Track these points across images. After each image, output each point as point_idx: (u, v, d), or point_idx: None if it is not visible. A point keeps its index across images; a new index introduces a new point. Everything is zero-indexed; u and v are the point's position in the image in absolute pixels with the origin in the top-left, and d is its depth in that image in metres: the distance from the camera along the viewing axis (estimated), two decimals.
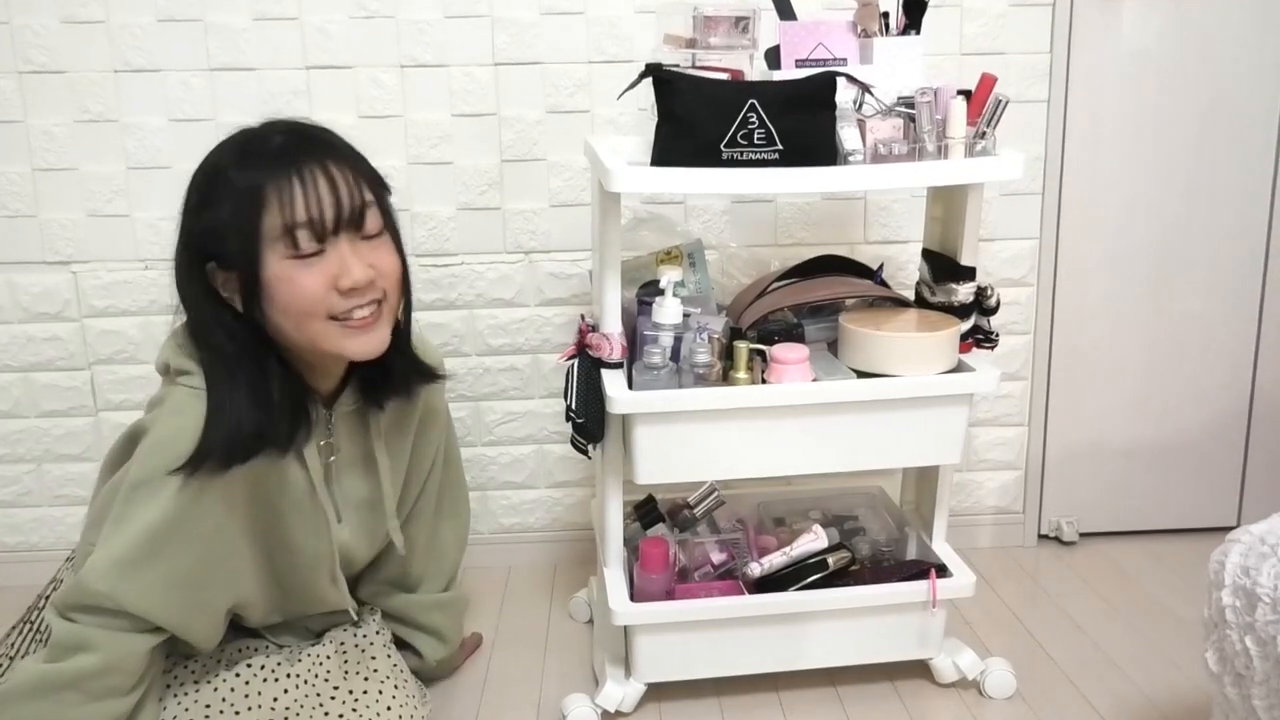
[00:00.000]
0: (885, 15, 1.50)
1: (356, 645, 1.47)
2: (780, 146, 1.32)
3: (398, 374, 1.36)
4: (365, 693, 1.40)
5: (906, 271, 1.98)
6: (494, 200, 1.93)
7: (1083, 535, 2.15)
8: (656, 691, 1.61)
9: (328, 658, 1.42)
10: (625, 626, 1.55)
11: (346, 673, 1.42)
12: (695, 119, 1.30)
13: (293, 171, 1.15)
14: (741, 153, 1.31)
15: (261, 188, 1.13)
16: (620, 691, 1.56)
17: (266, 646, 1.43)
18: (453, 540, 1.65)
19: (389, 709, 1.40)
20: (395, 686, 1.44)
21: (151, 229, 1.90)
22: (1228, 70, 1.93)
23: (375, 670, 1.44)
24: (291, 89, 1.86)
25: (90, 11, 1.79)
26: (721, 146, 1.31)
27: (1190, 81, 1.94)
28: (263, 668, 1.37)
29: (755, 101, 1.30)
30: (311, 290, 1.17)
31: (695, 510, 1.70)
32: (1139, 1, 1.90)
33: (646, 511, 1.71)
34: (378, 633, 1.51)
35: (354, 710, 1.37)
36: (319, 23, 1.83)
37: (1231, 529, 2.12)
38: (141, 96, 1.84)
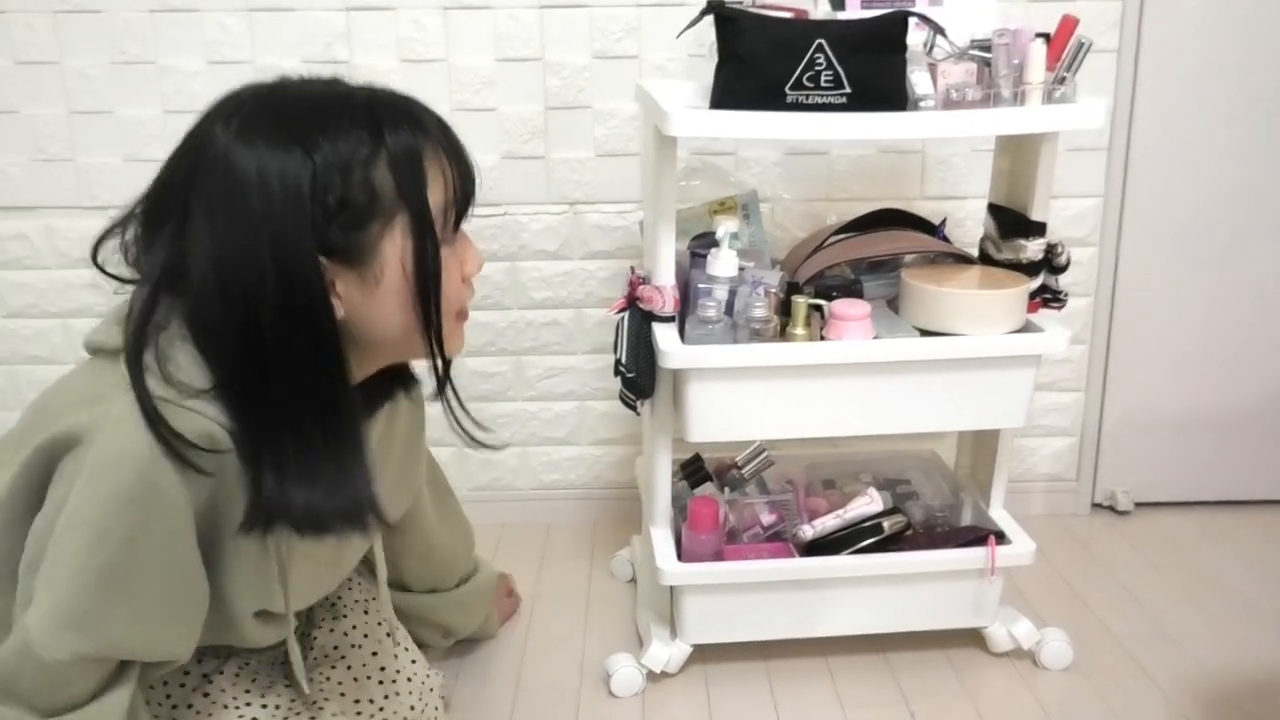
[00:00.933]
0: None
1: (344, 656, 1.25)
2: (848, 90, 1.25)
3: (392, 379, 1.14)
4: (387, 697, 1.26)
5: (964, 228, 1.90)
6: (538, 149, 1.87)
7: (1138, 505, 2.08)
8: (702, 653, 1.57)
9: (338, 684, 1.22)
10: (671, 587, 1.51)
11: (359, 700, 1.23)
12: (759, 59, 1.24)
13: (441, 139, 0.97)
14: (807, 95, 1.25)
15: (421, 155, 0.93)
16: (666, 652, 1.53)
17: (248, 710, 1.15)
18: (450, 542, 1.49)
19: (412, 709, 1.27)
20: (408, 679, 1.29)
21: None
22: None
23: (382, 669, 1.27)
24: (332, 31, 1.80)
25: None
26: (786, 89, 1.24)
27: (1270, 35, 1.83)
28: None
29: (823, 41, 1.23)
30: (459, 280, 1.01)
31: (743, 470, 1.66)
32: None
33: (693, 470, 1.67)
34: (353, 626, 1.30)
35: None
36: None
37: None
38: (178, 37, 1.80)
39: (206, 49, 1.80)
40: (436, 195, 0.96)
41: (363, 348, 0.98)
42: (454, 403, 1.07)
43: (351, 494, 0.94)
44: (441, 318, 0.97)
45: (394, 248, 0.93)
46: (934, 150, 1.89)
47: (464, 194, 0.99)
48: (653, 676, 1.54)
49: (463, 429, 1.08)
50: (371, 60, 1.82)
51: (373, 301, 0.94)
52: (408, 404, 1.17)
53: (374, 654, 1.27)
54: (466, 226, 1.03)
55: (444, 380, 1.04)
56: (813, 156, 1.88)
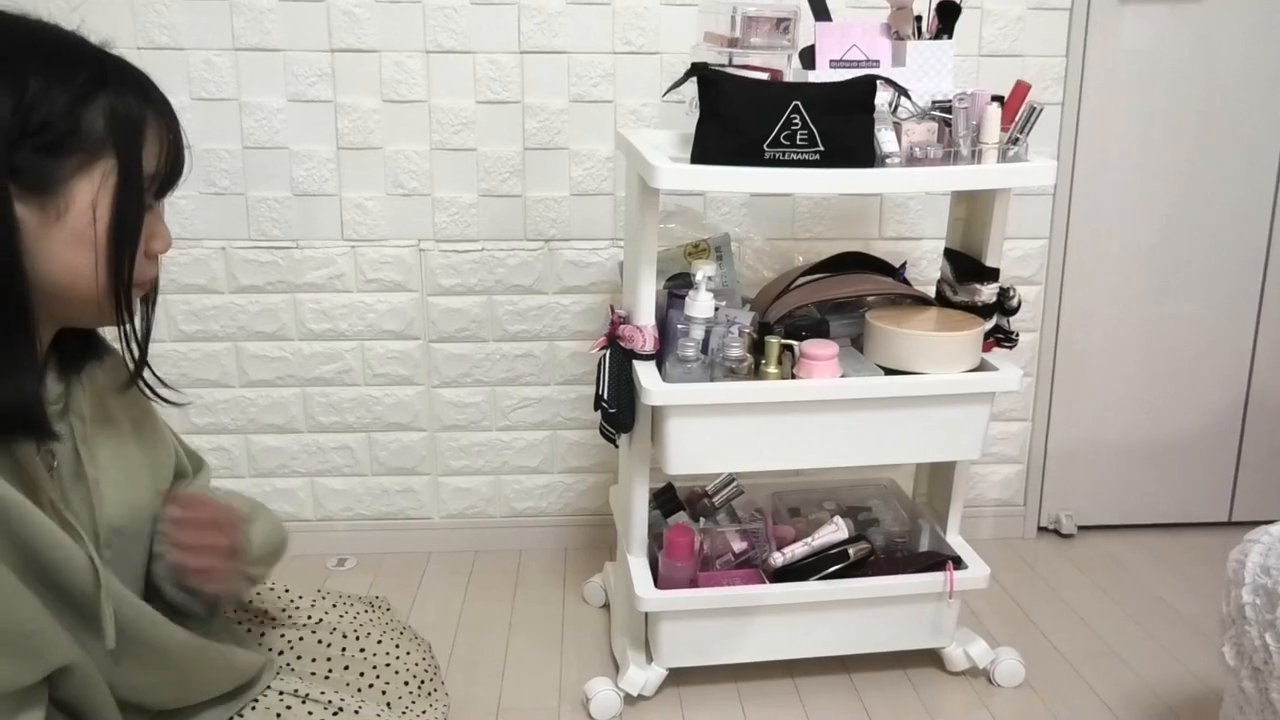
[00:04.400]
0: (918, 19, 1.53)
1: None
2: (821, 147, 1.34)
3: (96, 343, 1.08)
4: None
5: (919, 268, 2.01)
6: (515, 188, 1.94)
7: (1080, 528, 2.20)
8: (676, 676, 1.64)
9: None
10: (648, 612, 1.58)
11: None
12: (740, 119, 1.32)
13: (165, 112, 0.97)
14: (784, 153, 1.34)
15: (144, 112, 0.94)
16: (643, 676, 1.59)
17: None
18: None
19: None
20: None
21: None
22: (1232, 76, 1.98)
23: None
24: (316, 70, 1.85)
25: None
26: (765, 146, 1.33)
27: (1195, 87, 1.98)
28: None
29: (799, 103, 1.32)
30: (143, 253, 0.99)
31: (714, 500, 1.74)
32: (1148, 7, 1.94)
33: (666, 500, 1.74)
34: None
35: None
36: (345, 5, 1.83)
37: (1224, 525, 2.22)
38: (163, 74, 1.82)
39: (192, 85, 1.84)
40: (149, 159, 0.95)
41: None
42: (145, 373, 1.06)
43: (20, 385, 0.90)
44: (134, 274, 0.95)
45: (88, 190, 0.91)
46: (891, 195, 2.00)
47: (171, 171, 0.99)
48: (630, 700, 1.61)
49: (156, 394, 1.09)
50: (354, 100, 1.87)
51: (47, 237, 0.91)
52: (108, 378, 1.09)
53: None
54: (164, 208, 1.02)
55: (134, 334, 1.02)
56: (778, 199, 1.98)
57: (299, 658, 1.22)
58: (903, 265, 1.72)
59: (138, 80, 0.96)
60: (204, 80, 1.84)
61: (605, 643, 1.79)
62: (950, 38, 1.52)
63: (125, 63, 0.97)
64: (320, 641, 1.25)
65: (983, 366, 1.54)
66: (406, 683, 1.25)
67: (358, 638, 1.27)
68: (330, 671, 1.22)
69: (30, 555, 0.91)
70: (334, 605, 1.34)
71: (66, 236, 0.91)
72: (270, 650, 1.21)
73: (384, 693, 1.22)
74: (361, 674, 1.22)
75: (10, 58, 0.89)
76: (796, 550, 1.61)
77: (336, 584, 1.97)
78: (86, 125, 0.91)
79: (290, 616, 1.28)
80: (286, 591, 1.31)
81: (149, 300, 1.04)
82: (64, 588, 0.94)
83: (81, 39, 0.95)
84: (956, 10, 1.52)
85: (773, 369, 1.49)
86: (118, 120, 0.92)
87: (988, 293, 1.57)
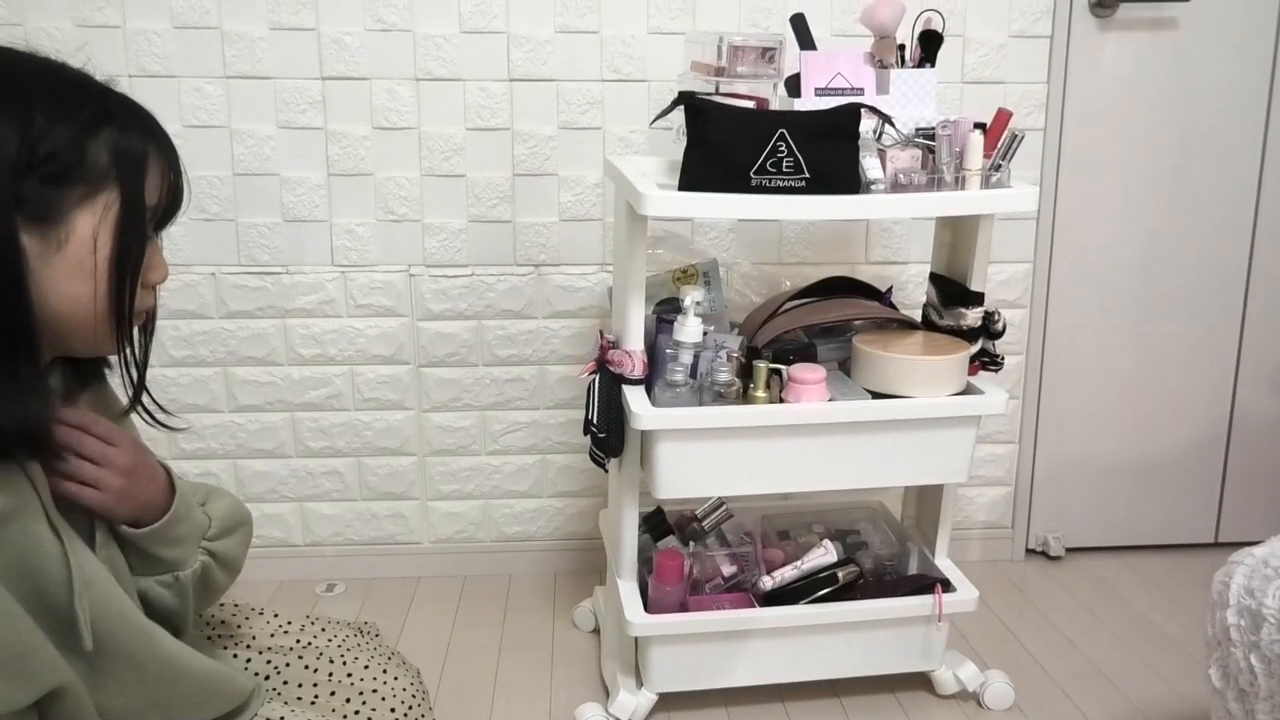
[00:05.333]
0: (901, 47, 1.55)
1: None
2: (807, 174, 1.36)
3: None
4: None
5: (906, 291, 2.03)
6: (505, 213, 1.95)
7: (1069, 550, 2.21)
8: (666, 701, 1.64)
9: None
10: (638, 637, 1.58)
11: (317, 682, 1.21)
12: (727, 146, 1.34)
13: (167, 147, 1.00)
14: (770, 179, 1.35)
15: (146, 147, 0.97)
16: (633, 701, 1.59)
17: None
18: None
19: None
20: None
21: None
22: (1210, 99, 2.01)
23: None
24: (307, 98, 1.87)
25: (106, 16, 1.80)
26: (751, 173, 1.35)
27: (1175, 110, 2.02)
28: None
29: (785, 130, 1.34)
30: (140, 283, 1.02)
31: (704, 523, 1.74)
32: (1128, 34, 1.97)
33: (656, 524, 1.74)
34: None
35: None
36: (336, 34, 1.84)
37: (1210, 546, 2.23)
38: (153, 101, 1.84)
39: (183, 113, 1.86)
40: (150, 192, 0.98)
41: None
42: (144, 399, 1.09)
43: (26, 408, 0.92)
44: (134, 304, 0.98)
45: (89, 221, 0.94)
46: (877, 219, 2.02)
47: (171, 204, 1.02)
48: None
49: (154, 419, 1.11)
50: (345, 126, 1.89)
51: (48, 266, 0.93)
52: (96, 403, 1.12)
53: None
54: (161, 240, 1.04)
55: (133, 360, 1.05)
56: (765, 224, 2.00)
57: (285, 683, 1.21)
58: (889, 289, 1.74)
59: (141, 116, 0.99)
60: (195, 108, 1.86)
61: (595, 668, 1.78)
62: (933, 66, 1.55)
63: (129, 99, 0.99)
64: (307, 667, 1.24)
65: (969, 390, 1.56)
66: (394, 709, 1.24)
67: (345, 663, 1.27)
68: (316, 697, 1.21)
69: (21, 564, 0.93)
70: (322, 630, 1.33)
71: (67, 266, 0.94)
72: (257, 675, 1.21)
73: (370, 719, 1.22)
74: (348, 700, 1.22)
75: (17, 93, 0.92)
76: (786, 574, 1.62)
77: (325, 609, 1.96)
78: (90, 158, 0.93)
79: (279, 641, 1.27)
80: (275, 616, 1.31)
81: (147, 329, 1.07)
82: (46, 595, 0.95)
83: (87, 76, 0.98)
84: (939, 39, 1.54)
85: (761, 393, 1.50)
86: (121, 154, 0.94)
87: (973, 317, 1.59)
